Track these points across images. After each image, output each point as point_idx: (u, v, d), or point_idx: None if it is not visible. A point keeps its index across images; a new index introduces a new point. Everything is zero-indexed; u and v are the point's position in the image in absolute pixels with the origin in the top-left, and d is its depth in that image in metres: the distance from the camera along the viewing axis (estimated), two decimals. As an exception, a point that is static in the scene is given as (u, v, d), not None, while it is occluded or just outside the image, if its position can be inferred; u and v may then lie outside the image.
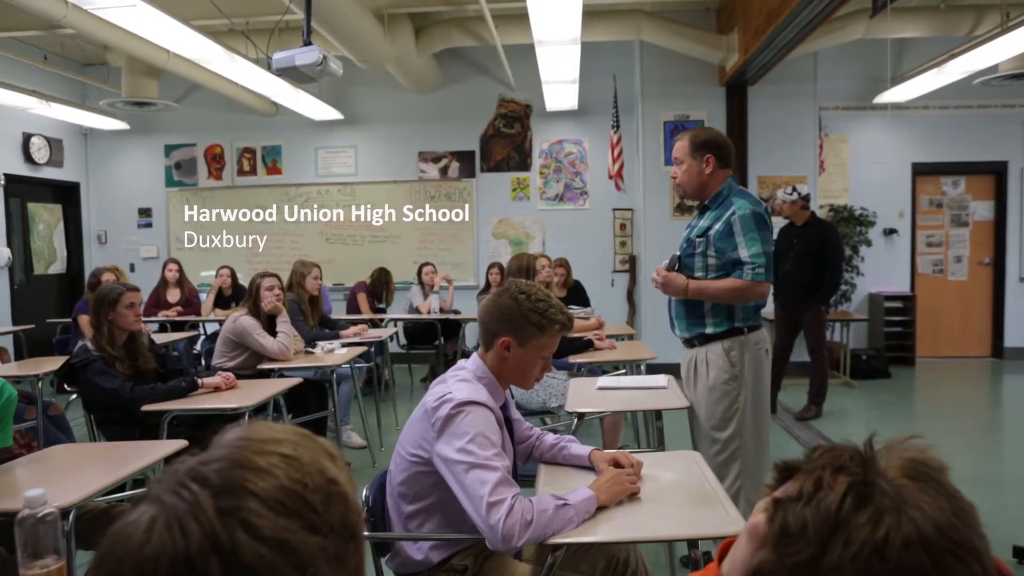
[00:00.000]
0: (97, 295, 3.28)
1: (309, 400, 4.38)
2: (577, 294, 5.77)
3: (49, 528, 1.37)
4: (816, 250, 5.28)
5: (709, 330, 2.72)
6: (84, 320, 5.18)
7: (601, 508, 1.72)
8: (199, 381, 3.32)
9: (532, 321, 1.88)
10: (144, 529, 0.56)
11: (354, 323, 5.59)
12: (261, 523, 0.56)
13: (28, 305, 7.50)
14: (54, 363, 4.35)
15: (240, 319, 4.24)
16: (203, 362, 5.63)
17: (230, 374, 3.49)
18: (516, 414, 2.14)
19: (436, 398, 1.82)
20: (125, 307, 3.23)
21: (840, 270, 5.67)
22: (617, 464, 1.92)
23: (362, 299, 6.72)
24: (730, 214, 2.63)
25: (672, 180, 2.87)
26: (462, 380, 1.89)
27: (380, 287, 6.80)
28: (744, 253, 2.60)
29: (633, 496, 1.79)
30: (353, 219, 8.18)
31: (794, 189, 5.42)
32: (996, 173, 7.71)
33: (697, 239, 2.73)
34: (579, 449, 2.08)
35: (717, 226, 2.66)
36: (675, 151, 2.80)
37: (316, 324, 5.13)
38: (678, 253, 2.78)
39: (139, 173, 8.46)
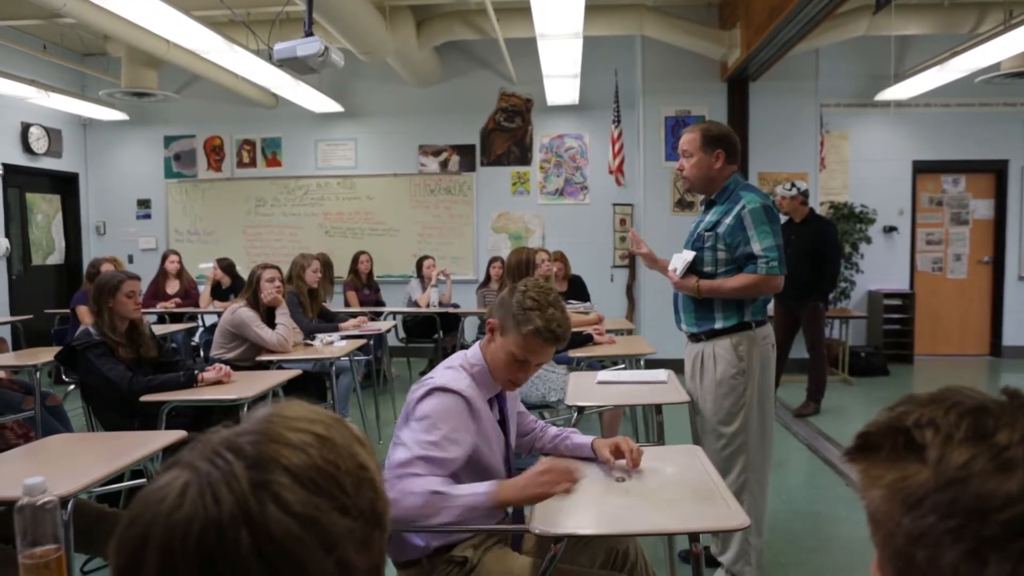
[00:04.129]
0: (97, 283, 3.27)
1: (308, 392, 4.37)
2: (577, 289, 5.77)
3: (48, 516, 1.37)
4: (814, 247, 5.28)
5: (718, 324, 2.71)
6: (83, 310, 5.17)
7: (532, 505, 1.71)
8: (199, 376, 3.30)
9: (514, 313, 1.88)
10: (177, 493, 0.56)
11: (353, 315, 5.58)
12: (292, 498, 0.56)
13: (26, 295, 7.49)
14: (52, 353, 4.32)
15: (239, 311, 4.23)
16: (201, 353, 5.62)
17: (227, 367, 3.48)
18: (519, 407, 2.15)
19: (419, 383, 1.86)
20: (125, 295, 3.22)
21: (838, 266, 5.66)
22: (618, 450, 1.94)
23: (352, 297, 6.74)
24: (740, 208, 2.62)
25: (677, 173, 2.84)
26: (448, 367, 1.92)
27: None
28: (757, 247, 2.59)
29: (566, 491, 1.70)
30: (352, 212, 8.17)
31: (793, 185, 5.43)
32: (996, 172, 7.70)
33: (706, 233, 2.72)
34: (581, 439, 2.09)
35: (727, 220, 2.65)
36: (684, 143, 2.75)
37: (315, 316, 5.12)
38: (691, 255, 2.74)
39: (138, 164, 8.43)
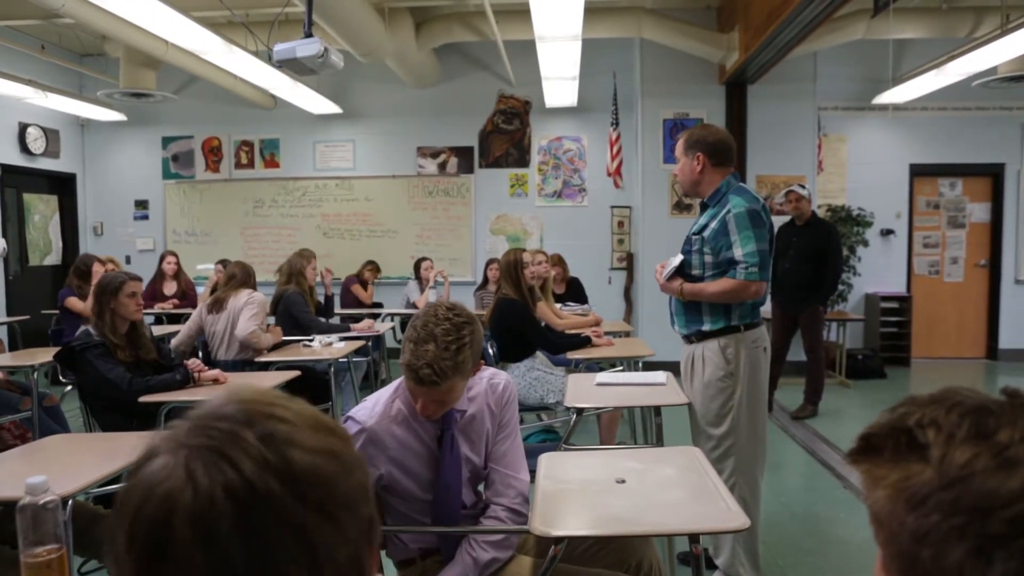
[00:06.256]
0: (99, 283, 3.28)
1: (307, 393, 4.37)
2: (575, 291, 5.78)
3: (50, 516, 1.37)
4: (816, 249, 5.28)
5: (706, 327, 2.73)
6: (72, 302, 5.15)
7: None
8: (196, 376, 3.30)
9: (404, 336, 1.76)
10: (184, 477, 0.53)
11: (356, 318, 5.61)
12: (304, 438, 0.57)
13: (23, 296, 7.47)
14: (49, 354, 4.31)
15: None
16: (199, 355, 5.60)
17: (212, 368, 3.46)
18: (495, 435, 1.93)
19: None
20: (127, 296, 3.23)
21: (840, 270, 5.67)
22: None
23: (358, 289, 6.86)
24: (725, 212, 2.64)
25: (673, 177, 2.92)
26: (386, 388, 1.88)
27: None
28: (738, 252, 2.61)
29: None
30: (351, 214, 8.17)
31: (804, 187, 5.48)
32: (993, 175, 7.72)
33: (694, 236, 2.75)
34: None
35: (713, 224, 2.67)
36: (675, 148, 2.87)
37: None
38: (679, 259, 2.78)
39: (136, 165, 8.42)
